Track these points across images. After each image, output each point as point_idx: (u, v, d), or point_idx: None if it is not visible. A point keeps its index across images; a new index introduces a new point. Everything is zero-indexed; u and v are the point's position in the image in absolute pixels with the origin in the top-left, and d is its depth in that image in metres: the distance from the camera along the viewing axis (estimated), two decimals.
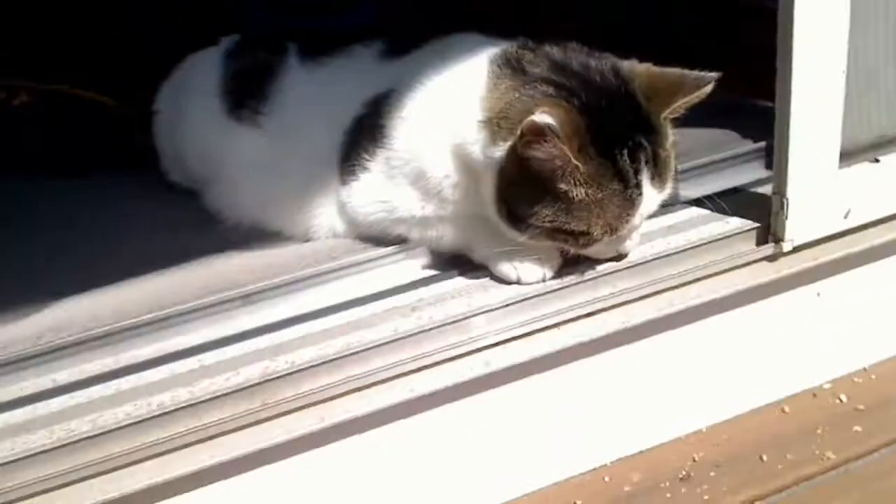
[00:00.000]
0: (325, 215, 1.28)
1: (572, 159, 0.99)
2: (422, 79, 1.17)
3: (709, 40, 1.65)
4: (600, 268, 1.16)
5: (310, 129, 1.30)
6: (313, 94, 1.34)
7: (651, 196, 1.07)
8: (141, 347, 1.12)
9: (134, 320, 1.13)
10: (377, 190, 1.21)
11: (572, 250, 1.11)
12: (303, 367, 1.05)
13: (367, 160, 1.20)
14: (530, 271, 1.14)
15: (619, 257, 1.16)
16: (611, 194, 1.03)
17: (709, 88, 1.07)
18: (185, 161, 1.46)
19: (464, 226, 1.19)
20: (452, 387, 1.08)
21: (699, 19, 1.74)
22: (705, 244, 1.20)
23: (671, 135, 1.09)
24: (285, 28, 1.53)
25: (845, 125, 1.20)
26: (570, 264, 1.15)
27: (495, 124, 1.07)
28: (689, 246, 1.19)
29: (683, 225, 1.25)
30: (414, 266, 1.22)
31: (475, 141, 1.09)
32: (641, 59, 1.13)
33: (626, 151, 1.03)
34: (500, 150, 1.06)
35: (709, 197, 1.29)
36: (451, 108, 1.12)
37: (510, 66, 1.10)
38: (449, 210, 1.17)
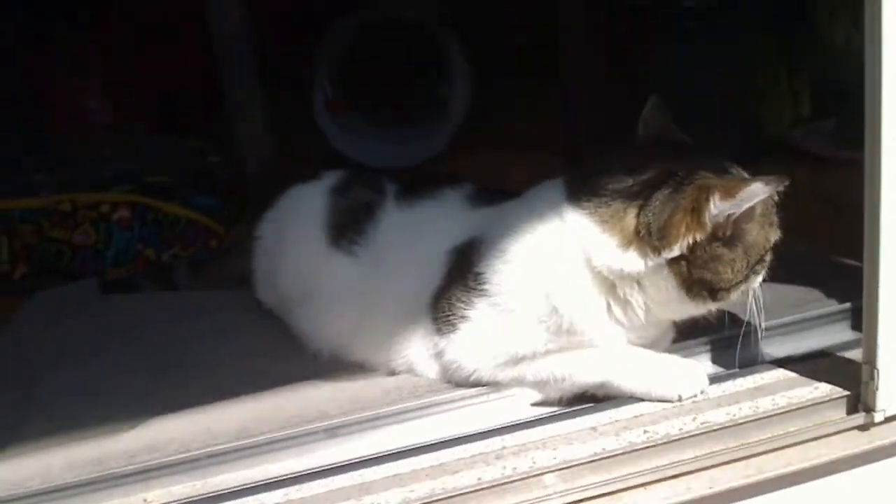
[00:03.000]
0: (408, 354, 1.31)
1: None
2: (521, 224, 1.22)
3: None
4: (683, 427, 1.15)
5: (399, 269, 1.36)
6: (404, 234, 1.39)
7: None
8: (228, 473, 1.16)
9: (223, 446, 1.17)
10: (484, 337, 1.23)
11: (758, 285, 1.21)
12: None
13: (465, 309, 1.23)
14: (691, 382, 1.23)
15: None
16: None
17: None
18: (279, 284, 1.53)
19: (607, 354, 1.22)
20: None
21: None
22: (794, 409, 1.18)
23: None
24: None
25: None
26: None
27: (643, 239, 1.15)
28: (777, 411, 1.17)
29: (770, 387, 1.23)
30: (497, 410, 1.24)
31: (625, 262, 1.17)
32: None
33: None
34: (671, 252, 1.14)
35: (793, 358, 1.30)
36: (569, 247, 1.19)
37: (593, 194, 1.19)
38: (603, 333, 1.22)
